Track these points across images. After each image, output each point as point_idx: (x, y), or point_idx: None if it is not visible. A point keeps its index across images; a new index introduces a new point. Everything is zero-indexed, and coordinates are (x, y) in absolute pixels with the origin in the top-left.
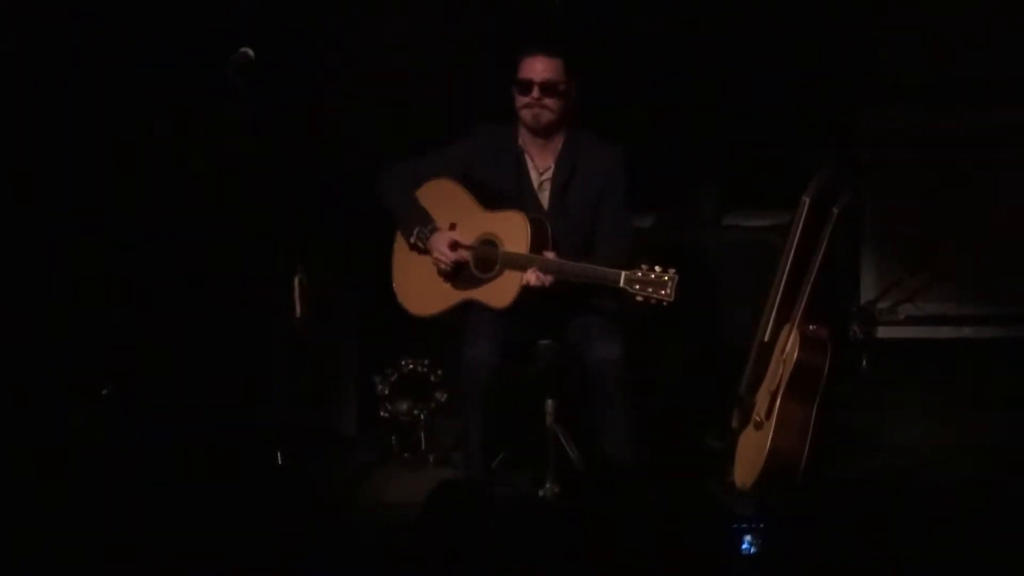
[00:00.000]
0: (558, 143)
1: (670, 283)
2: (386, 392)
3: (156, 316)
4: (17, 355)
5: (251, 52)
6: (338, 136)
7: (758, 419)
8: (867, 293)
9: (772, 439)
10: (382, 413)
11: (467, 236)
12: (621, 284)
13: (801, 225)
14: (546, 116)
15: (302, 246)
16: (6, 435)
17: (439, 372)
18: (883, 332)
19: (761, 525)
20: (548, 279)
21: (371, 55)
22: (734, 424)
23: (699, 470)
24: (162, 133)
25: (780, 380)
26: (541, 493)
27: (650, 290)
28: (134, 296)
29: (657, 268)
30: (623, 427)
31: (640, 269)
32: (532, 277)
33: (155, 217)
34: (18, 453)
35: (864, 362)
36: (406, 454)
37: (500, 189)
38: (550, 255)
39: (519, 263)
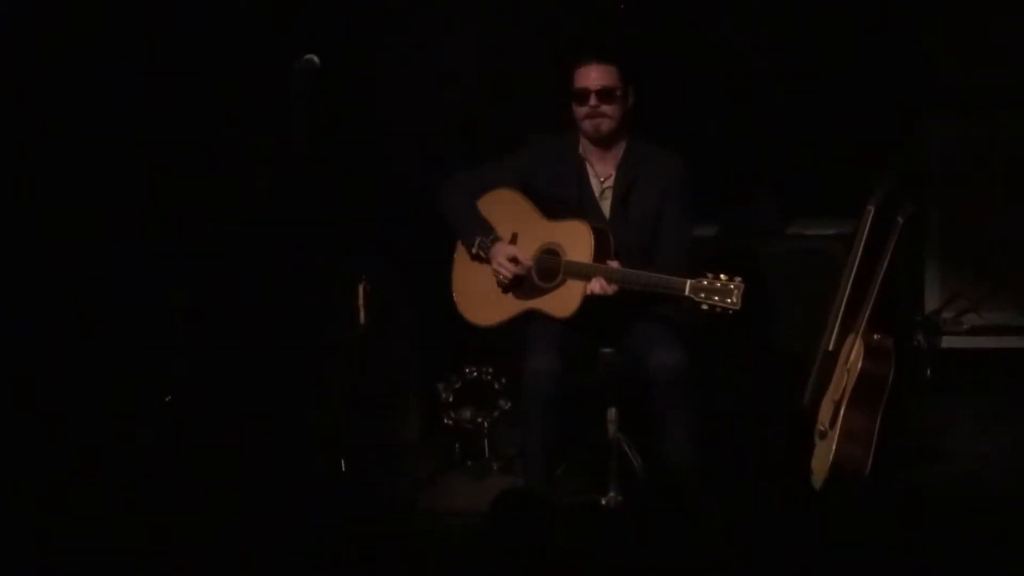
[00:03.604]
0: (619, 151)
1: (736, 291)
2: (449, 399)
3: (220, 322)
4: (82, 360)
5: (316, 59)
6: (401, 144)
7: (822, 428)
8: (931, 302)
9: (836, 448)
10: (445, 420)
11: (529, 245)
12: (687, 292)
13: (866, 234)
14: (606, 124)
15: (366, 253)
16: (71, 441)
17: (503, 380)
18: (947, 342)
19: None
20: (612, 288)
21: (434, 64)
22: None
23: (760, 478)
24: (228, 139)
25: (844, 389)
26: (604, 501)
27: (716, 298)
28: (198, 302)
29: (723, 276)
30: (685, 435)
31: (706, 278)
32: (597, 286)
33: (219, 223)
34: (83, 458)
35: (928, 372)
36: (469, 462)
37: (561, 198)
38: (614, 264)
39: (582, 272)
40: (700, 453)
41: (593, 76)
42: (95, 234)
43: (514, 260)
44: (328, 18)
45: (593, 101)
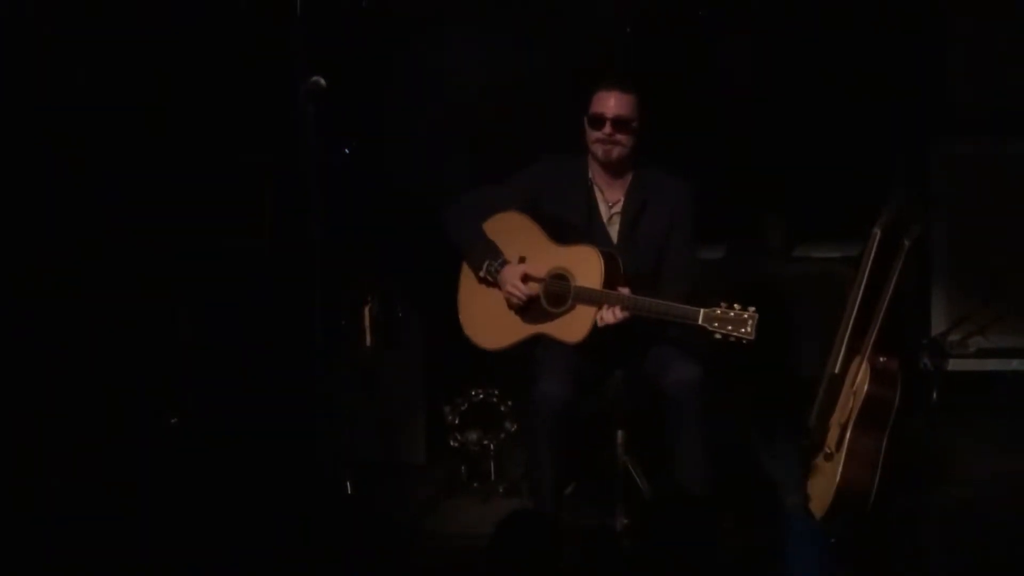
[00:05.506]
0: (628, 176)
1: (750, 321)
2: (456, 422)
3: (225, 341)
4: (87, 382)
5: (322, 81)
6: (406, 165)
7: (828, 450)
8: (938, 325)
9: (842, 470)
10: (451, 443)
11: (537, 270)
12: (700, 322)
13: (872, 257)
14: (617, 151)
15: (372, 276)
16: (77, 460)
17: (509, 402)
18: (954, 364)
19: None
20: (623, 316)
21: (440, 85)
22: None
23: (767, 501)
24: (231, 161)
25: (850, 412)
26: (611, 525)
27: (730, 328)
28: (203, 324)
29: (736, 306)
30: (698, 453)
31: (719, 307)
32: (607, 313)
33: (223, 246)
34: (87, 477)
35: (934, 394)
36: (475, 484)
37: (569, 222)
38: (625, 291)
39: (592, 298)
40: (710, 473)
41: (612, 104)
42: (97, 243)
43: (526, 280)
44: (336, 35)
45: (608, 129)
